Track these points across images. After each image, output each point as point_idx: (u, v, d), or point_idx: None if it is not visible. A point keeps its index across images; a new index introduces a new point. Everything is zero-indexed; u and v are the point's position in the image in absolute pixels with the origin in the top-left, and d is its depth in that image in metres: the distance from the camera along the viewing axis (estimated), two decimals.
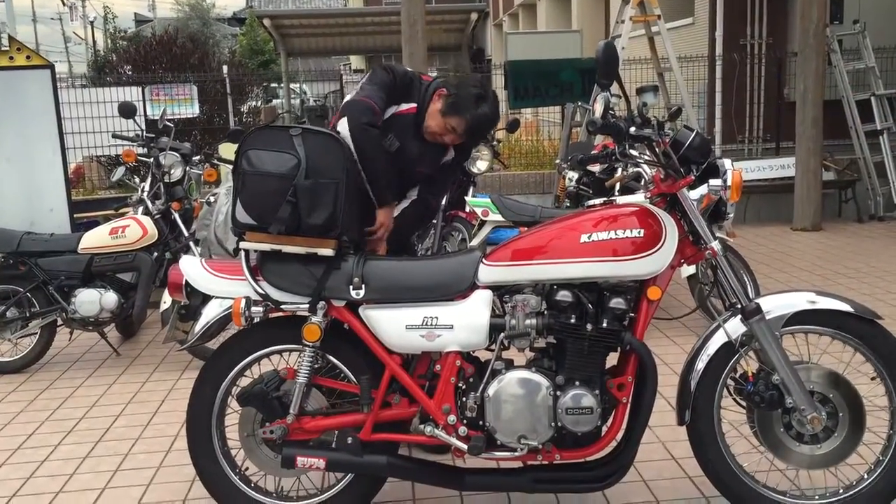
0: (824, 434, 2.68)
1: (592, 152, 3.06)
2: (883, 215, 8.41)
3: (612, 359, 2.71)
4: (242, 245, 2.70)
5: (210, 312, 2.81)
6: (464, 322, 2.64)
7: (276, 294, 2.70)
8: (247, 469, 2.88)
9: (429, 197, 3.22)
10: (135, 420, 3.92)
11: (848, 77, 8.55)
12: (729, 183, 2.62)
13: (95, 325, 4.72)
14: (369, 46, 19.13)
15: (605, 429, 2.68)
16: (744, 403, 2.76)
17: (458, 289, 2.68)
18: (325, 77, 16.41)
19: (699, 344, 2.78)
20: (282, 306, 2.71)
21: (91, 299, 4.59)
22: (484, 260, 2.69)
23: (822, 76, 7.99)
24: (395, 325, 2.67)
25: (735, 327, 2.70)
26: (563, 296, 2.63)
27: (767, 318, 2.65)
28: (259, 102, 10.75)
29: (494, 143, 6.50)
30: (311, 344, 2.70)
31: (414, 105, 3.03)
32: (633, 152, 2.77)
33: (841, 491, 2.75)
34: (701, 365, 2.72)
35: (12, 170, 5.47)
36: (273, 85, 18.90)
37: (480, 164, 5.78)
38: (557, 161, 6.92)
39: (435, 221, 5.16)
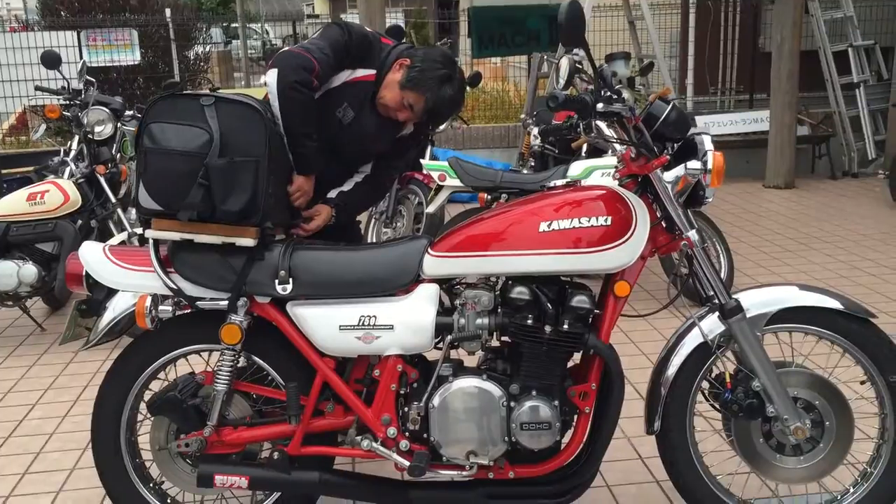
0: (808, 445, 2.41)
1: (554, 122, 2.72)
2: (857, 172, 8.17)
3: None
4: (148, 233, 2.32)
5: (119, 306, 2.45)
6: (406, 322, 2.31)
7: (190, 289, 2.34)
8: (163, 482, 2.55)
9: (383, 174, 2.86)
10: (52, 410, 3.56)
11: (825, 27, 8.21)
12: (710, 166, 2.29)
13: (14, 300, 4.31)
14: None
15: (564, 441, 2.38)
16: (720, 409, 2.48)
17: (399, 283, 2.34)
18: (288, 18, 15.74)
19: (672, 342, 2.47)
20: (197, 303, 2.35)
21: (8, 272, 4.17)
22: (430, 249, 2.34)
23: (799, 26, 7.64)
24: (327, 325, 2.32)
25: (712, 326, 2.40)
26: (519, 293, 2.30)
27: (748, 315, 2.35)
28: (209, 47, 10.14)
29: None
30: (230, 346, 2.35)
31: (373, 72, 2.62)
32: (601, 125, 2.42)
33: None
34: (673, 367, 2.42)
35: None
36: (234, 25, 18.11)
37: None
38: (522, 116, 6.53)
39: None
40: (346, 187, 2.80)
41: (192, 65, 9.30)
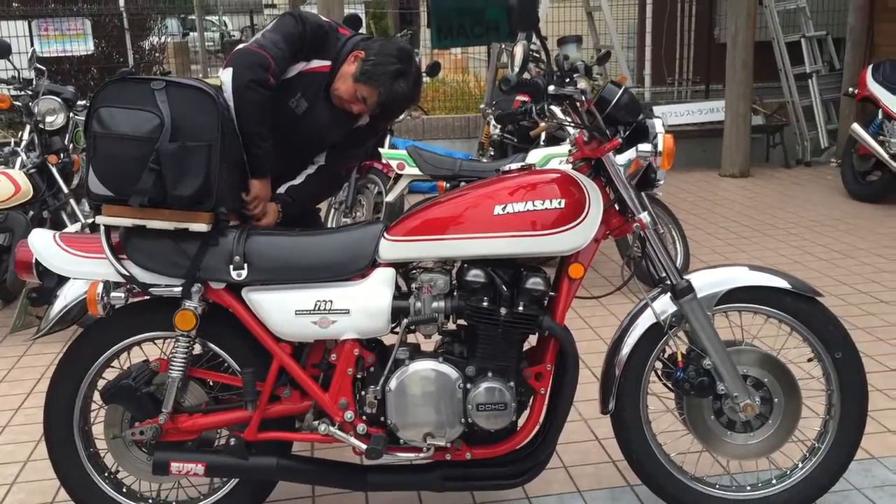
0: (757, 421, 2.47)
1: (512, 108, 2.74)
2: (810, 160, 8.32)
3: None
4: (99, 220, 2.30)
5: (70, 294, 2.42)
6: (362, 306, 2.31)
7: (142, 276, 2.32)
8: (118, 471, 2.53)
9: (337, 164, 2.82)
10: (5, 403, 3.50)
11: (778, 18, 8.34)
12: (660, 149, 2.33)
13: None
14: None
15: (521, 422, 2.41)
16: (673, 388, 2.52)
17: (355, 267, 2.34)
18: (246, 9, 15.60)
19: (625, 323, 2.51)
20: (150, 290, 2.33)
21: None
22: (386, 234, 2.35)
23: (753, 17, 7.75)
24: (283, 311, 2.32)
25: (664, 306, 2.44)
26: (475, 276, 2.32)
27: (699, 296, 2.39)
28: (164, 38, 10.00)
29: None
30: (185, 332, 2.34)
31: (328, 63, 2.61)
32: (555, 109, 2.45)
33: (774, 480, 2.55)
34: (627, 348, 2.46)
35: None
36: (192, 17, 17.88)
37: None
38: (482, 106, 6.56)
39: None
40: (298, 180, 2.77)
41: (148, 55, 9.17)
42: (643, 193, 2.49)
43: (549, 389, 2.40)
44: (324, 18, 2.72)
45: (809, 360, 2.50)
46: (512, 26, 2.33)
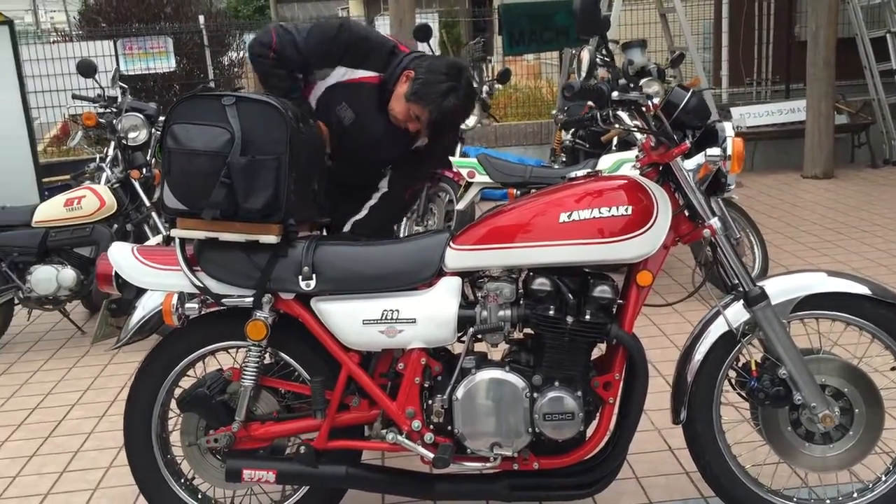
0: (837, 433, 2.38)
1: (581, 114, 2.71)
2: None
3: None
4: (174, 233, 2.37)
5: (148, 305, 2.50)
6: (428, 315, 2.32)
7: (216, 287, 2.38)
8: (195, 478, 2.60)
9: (399, 190, 2.84)
10: (91, 410, 3.64)
11: (862, 13, 8.05)
12: (729, 152, 2.27)
13: (54, 304, 4.41)
14: None
15: (589, 432, 2.38)
16: (747, 398, 2.45)
17: (421, 276, 2.35)
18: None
19: (697, 331, 2.46)
20: (223, 300, 2.39)
21: (47, 276, 4.27)
22: (451, 243, 2.35)
23: (835, 13, 7.50)
24: (351, 320, 2.35)
25: (737, 314, 2.37)
26: (541, 284, 2.30)
27: (774, 303, 2.32)
28: (242, 53, 10.28)
29: (485, 95, 6.10)
30: (256, 342, 2.39)
31: (376, 75, 2.66)
32: (622, 114, 2.42)
33: (855, 494, 2.46)
34: (698, 357, 2.40)
35: None
36: None
37: (469, 120, 5.39)
38: (554, 112, 6.52)
39: None
40: (362, 214, 2.80)
41: (227, 70, 9.45)
42: (718, 198, 2.43)
43: (618, 399, 2.37)
44: (382, 34, 2.77)
45: (893, 368, 2.40)
46: (577, 31, 2.29)
